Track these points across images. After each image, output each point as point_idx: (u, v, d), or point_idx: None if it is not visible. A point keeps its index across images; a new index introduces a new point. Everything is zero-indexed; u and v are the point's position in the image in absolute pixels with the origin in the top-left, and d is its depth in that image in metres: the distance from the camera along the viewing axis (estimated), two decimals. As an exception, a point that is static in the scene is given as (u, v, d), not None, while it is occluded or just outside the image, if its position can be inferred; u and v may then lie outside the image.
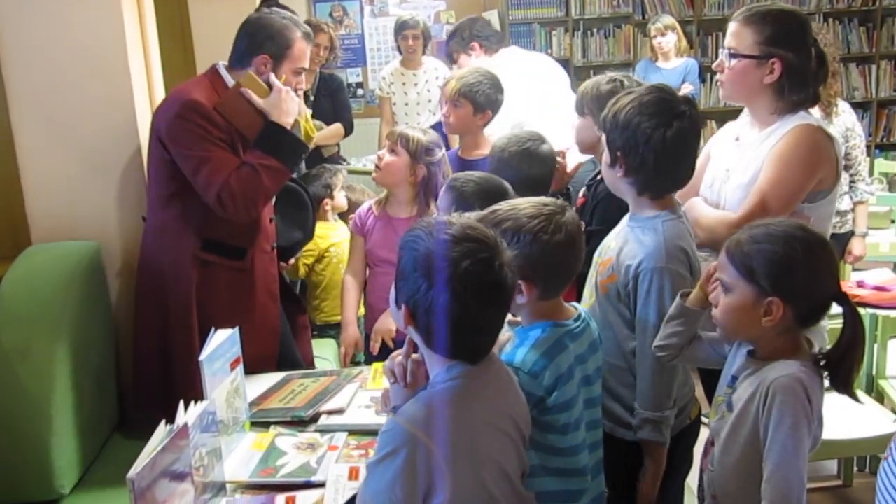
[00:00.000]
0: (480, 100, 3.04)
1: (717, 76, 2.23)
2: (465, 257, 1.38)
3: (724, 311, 1.65)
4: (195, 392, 2.25)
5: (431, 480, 1.36)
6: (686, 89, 5.56)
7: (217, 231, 2.54)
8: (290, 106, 2.50)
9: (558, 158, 2.64)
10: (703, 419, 2.00)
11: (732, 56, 2.15)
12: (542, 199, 1.76)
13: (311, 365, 2.91)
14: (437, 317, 1.39)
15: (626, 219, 2.03)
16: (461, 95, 3.03)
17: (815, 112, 3.30)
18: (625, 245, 1.95)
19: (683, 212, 2.01)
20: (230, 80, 2.53)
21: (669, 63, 5.75)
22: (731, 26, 2.18)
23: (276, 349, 2.71)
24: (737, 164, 2.19)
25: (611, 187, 2.04)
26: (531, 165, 2.57)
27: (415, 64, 5.01)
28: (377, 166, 2.83)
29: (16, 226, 2.67)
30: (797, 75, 2.10)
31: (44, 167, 2.66)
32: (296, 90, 2.58)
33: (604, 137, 1.98)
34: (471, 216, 1.58)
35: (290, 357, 2.80)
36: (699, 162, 2.31)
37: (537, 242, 1.64)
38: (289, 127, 2.50)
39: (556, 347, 1.67)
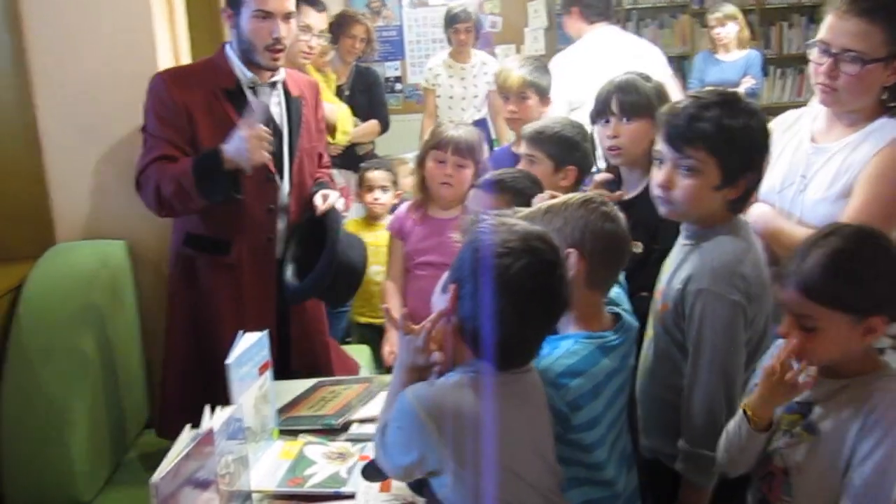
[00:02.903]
0: (544, 85, 3.07)
1: (820, 80, 2.01)
2: (522, 259, 1.45)
3: (820, 352, 1.58)
4: (179, 395, 2.29)
5: (434, 463, 1.48)
6: (747, 83, 5.50)
7: (196, 223, 2.53)
8: (238, 146, 2.33)
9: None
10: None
11: (865, 62, 1.94)
12: None
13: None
14: (477, 307, 1.45)
15: (680, 243, 1.95)
16: (528, 87, 3.03)
17: None
18: (677, 269, 1.89)
19: (745, 222, 1.93)
20: (234, 59, 2.52)
21: (730, 55, 5.68)
22: (851, 23, 1.95)
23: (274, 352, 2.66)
24: (817, 171, 2.07)
25: (692, 210, 1.85)
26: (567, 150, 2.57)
27: (465, 56, 5.09)
28: (447, 183, 2.75)
29: (40, 224, 2.74)
30: None
31: (70, 164, 2.74)
32: (278, 48, 2.47)
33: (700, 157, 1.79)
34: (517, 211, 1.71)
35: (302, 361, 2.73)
36: None
37: (585, 208, 1.74)
38: (224, 163, 2.35)
39: (585, 362, 1.67)
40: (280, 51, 2.50)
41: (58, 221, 2.76)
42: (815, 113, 2.16)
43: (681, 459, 1.84)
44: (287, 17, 2.50)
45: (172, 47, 2.88)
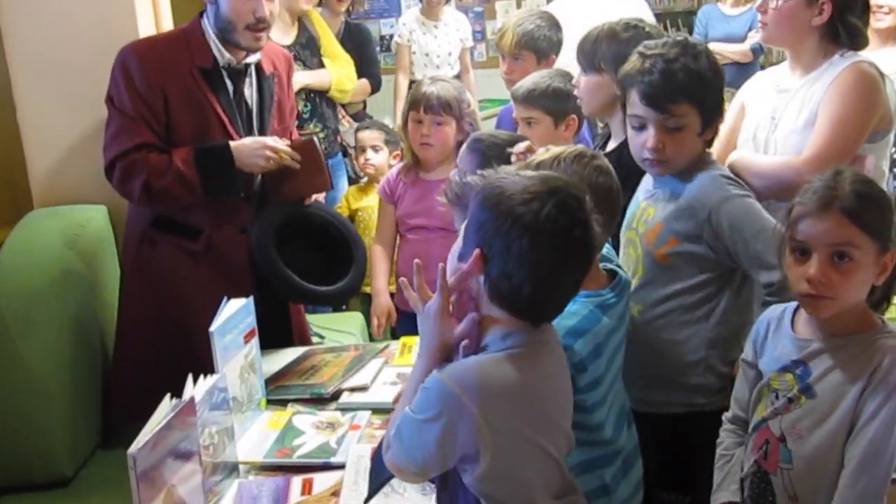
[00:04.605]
0: (543, 45, 3.02)
1: (759, 17, 2.27)
2: (550, 201, 1.39)
3: (851, 287, 1.56)
4: (127, 395, 2.35)
5: (471, 448, 1.39)
6: (754, 38, 5.44)
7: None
8: (252, 153, 2.38)
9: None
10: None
11: None
12: None
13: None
14: (512, 262, 1.38)
15: (648, 186, 2.05)
16: (522, 47, 2.99)
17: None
18: (675, 204, 1.94)
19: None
20: (210, 33, 2.42)
21: (736, 10, 5.63)
22: None
23: None
24: (783, 111, 2.23)
25: (684, 162, 1.95)
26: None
27: (436, 13, 5.10)
28: (426, 143, 2.76)
29: (16, 189, 2.72)
30: (847, 15, 2.16)
31: (47, 128, 2.70)
32: (262, 28, 2.39)
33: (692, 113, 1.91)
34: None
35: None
36: (732, 115, 2.37)
37: (579, 163, 1.74)
38: (234, 162, 2.37)
39: (587, 321, 1.67)
40: (263, 30, 2.40)
41: (35, 187, 2.72)
42: (779, 69, 2.38)
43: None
44: None
45: (153, 9, 2.82)
